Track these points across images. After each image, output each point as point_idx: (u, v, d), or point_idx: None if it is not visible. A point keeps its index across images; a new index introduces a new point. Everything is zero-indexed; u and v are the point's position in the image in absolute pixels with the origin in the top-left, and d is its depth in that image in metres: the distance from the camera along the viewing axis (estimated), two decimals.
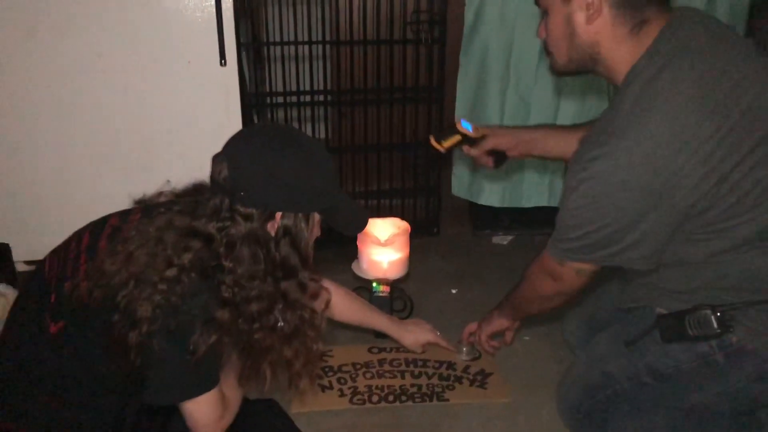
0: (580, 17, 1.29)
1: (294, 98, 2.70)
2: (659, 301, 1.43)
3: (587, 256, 1.35)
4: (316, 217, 1.20)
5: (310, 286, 1.20)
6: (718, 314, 1.30)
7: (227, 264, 1.11)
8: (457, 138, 1.64)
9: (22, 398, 1.21)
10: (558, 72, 1.43)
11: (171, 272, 1.07)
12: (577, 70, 1.39)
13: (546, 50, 1.41)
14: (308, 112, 2.70)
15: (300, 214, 1.15)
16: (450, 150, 1.65)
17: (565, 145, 1.58)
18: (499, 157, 1.69)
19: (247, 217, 1.11)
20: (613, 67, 1.31)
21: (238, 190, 1.10)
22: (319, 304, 1.26)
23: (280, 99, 2.72)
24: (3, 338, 1.28)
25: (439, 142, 1.63)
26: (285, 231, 1.14)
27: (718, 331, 1.31)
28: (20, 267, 2.25)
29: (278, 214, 1.13)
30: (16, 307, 1.28)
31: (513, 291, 1.66)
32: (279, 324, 1.17)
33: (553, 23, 1.34)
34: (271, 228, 1.14)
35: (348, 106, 2.79)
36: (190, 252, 1.09)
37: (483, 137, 1.66)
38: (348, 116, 2.80)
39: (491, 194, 2.69)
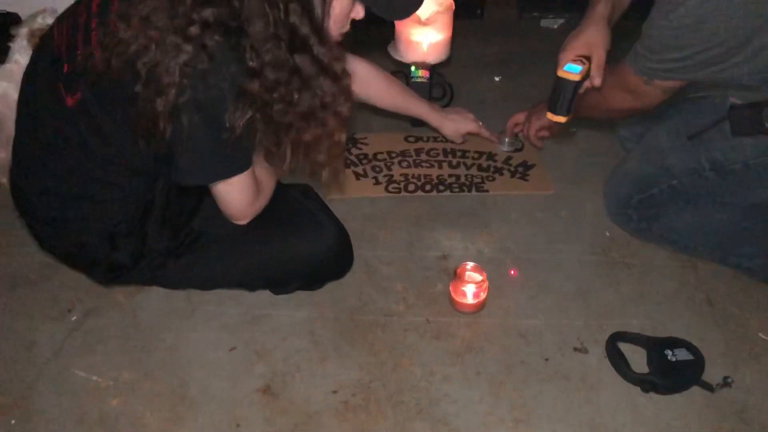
0: None
1: None
2: (732, 90, 1.31)
3: (685, 76, 1.23)
4: None
5: (331, 66, 1.06)
6: None
7: (243, 24, 0.97)
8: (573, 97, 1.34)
9: (47, 176, 1.18)
10: None
11: (194, 30, 0.95)
12: None
13: None
14: None
15: None
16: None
17: None
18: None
19: None
20: None
21: None
22: (341, 89, 1.12)
23: None
24: (18, 116, 1.22)
25: (562, 113, 1.35)
26: None
27: None
28: None
29: None
30: (27, 82, 1.19)
31: None
32: (296, 98, 1.06)
33: None
34: None
35: None
36: (209, 5, 0.96)
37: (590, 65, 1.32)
38: None
39: None
